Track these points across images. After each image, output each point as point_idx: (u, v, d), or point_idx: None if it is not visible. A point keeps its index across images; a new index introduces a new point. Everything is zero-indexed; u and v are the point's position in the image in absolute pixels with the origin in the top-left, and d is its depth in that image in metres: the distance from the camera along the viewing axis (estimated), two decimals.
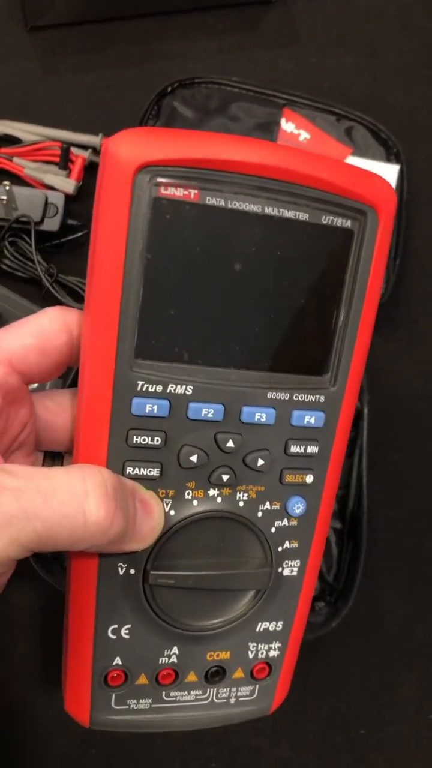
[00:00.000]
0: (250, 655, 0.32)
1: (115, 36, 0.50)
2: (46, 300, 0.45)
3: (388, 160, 0.50)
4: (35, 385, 0.39)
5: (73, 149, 0.48)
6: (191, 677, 0.31)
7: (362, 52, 0.53)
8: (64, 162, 0.47)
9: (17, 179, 0.47)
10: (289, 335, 0.29)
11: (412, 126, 0.52)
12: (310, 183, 0.27)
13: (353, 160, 0.49)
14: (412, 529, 0.50)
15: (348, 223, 0.28)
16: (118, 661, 0.30)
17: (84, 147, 0.48)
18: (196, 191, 0.26)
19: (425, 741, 0.48)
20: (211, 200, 0.26)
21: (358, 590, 0.43)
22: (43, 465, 0.32)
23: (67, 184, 0.47)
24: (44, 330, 0.29)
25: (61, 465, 0.32)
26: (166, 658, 0.31)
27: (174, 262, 0.26)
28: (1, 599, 0.26)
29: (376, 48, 0.53)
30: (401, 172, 0.50)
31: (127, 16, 0.50)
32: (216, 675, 0.32)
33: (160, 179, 0.25)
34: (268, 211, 0.27)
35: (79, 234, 0.47)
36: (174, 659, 0.31)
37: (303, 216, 0.27)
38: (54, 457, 0.33)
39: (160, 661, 0.31)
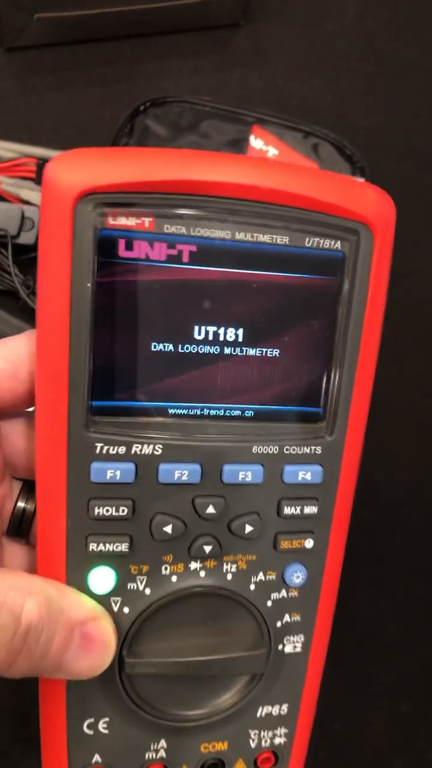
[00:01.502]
0: (252, 744, 0.28)
1: (90, 57, 0.52)
2: (23, 311, 0.47)
3: (353, 174, 0.52)
4: None
5: None
6: None
7: (328, 74, 0.55)
8: (40, 177, 0.48)
9: None
10: (275, 379, 0.24)
11: (375, 143, 0.54)
12: (288, 201, 0.22)
13: None
14: (383, 525, 0.50)
15: (337, 245, 0.23)
16: (97, 758, 0.26)
17: None
18: (150, 219, 0.22)
19: (399, 734, 0.49)
20: (169, 228, 0.22)
21: None
22: (17, 500, 0.29)
23: None
24: (18, 354, 0.25)
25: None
26: (153, 753, 0.27)
27: (129, 304, 0.22)
28: None
29: (341, 70, 0.55)
30: None
31: (102, 38, 0.52)
32: None
33: (106, 208, 0.21)
34: (240, 236, 0.23)
35: None
36: (162, 753, 0.27)
37: (282, 240, 0.23)
38: (30, 489, 0.29)
39: (146, 757, 0.27)
